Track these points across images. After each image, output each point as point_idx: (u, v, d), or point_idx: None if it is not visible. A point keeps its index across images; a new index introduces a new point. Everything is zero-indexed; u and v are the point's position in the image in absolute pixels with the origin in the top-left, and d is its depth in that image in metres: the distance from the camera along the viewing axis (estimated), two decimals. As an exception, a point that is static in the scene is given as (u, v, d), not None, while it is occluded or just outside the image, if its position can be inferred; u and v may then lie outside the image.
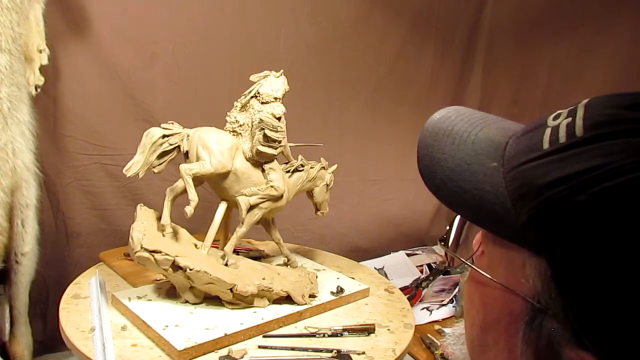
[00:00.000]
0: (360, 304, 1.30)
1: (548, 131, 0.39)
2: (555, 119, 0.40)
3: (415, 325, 1.24)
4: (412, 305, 1.50)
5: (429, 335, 1.59)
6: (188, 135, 1.20)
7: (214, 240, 1.21)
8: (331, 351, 1.05)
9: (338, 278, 1.38)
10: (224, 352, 1.02)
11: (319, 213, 1.42)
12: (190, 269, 1.07)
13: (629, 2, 2.16)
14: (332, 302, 1.25)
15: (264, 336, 1.10)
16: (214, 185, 1.24)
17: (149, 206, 1.20)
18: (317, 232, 1.90)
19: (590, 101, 0.39)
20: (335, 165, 1.40)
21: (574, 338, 0.36)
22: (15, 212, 1.23)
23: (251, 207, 1.23)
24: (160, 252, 1.07)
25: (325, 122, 1.92)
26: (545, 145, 0.39)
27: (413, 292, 1.83)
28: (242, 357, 1.00)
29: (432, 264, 2.06)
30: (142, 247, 1.07)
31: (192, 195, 1.13)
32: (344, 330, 1.14)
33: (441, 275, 1.95)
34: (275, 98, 1.23)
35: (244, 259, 1.27)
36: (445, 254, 0.51)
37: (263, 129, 1.20)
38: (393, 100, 2.04)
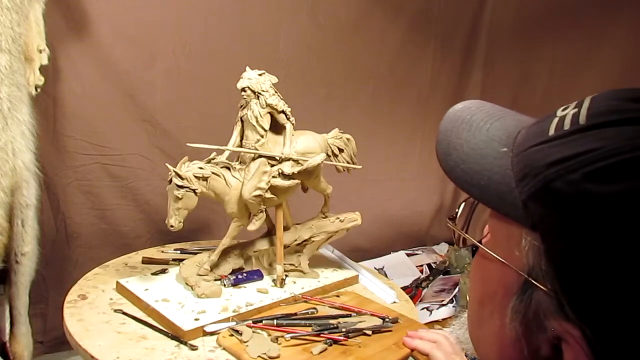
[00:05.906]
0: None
1: (555, 120, 0.42)
2: (563, 110, 0.43)
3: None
4: (412, 305, 1.50)
5: (429, 335, 1.58)
6: None
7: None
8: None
9: None
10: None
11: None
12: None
13: (629, 3, 2.16)
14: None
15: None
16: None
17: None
18: (317, 232, 1.90)
19: (597, 95, 0.42)
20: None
21: (559, 310, 0.39)
22: (15, 212, 1.23)
23: None
24: None
25: (325, 122, 1.92)
26: (551, 132, 0.41)
27: (413, 292, 1.84)
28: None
29: (432, 264, 2.06)
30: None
31: None
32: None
33: (441, 276, 1.95)
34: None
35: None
36: (453, 232, 0.53)
37: None
38: (393, 100, 2.04)
